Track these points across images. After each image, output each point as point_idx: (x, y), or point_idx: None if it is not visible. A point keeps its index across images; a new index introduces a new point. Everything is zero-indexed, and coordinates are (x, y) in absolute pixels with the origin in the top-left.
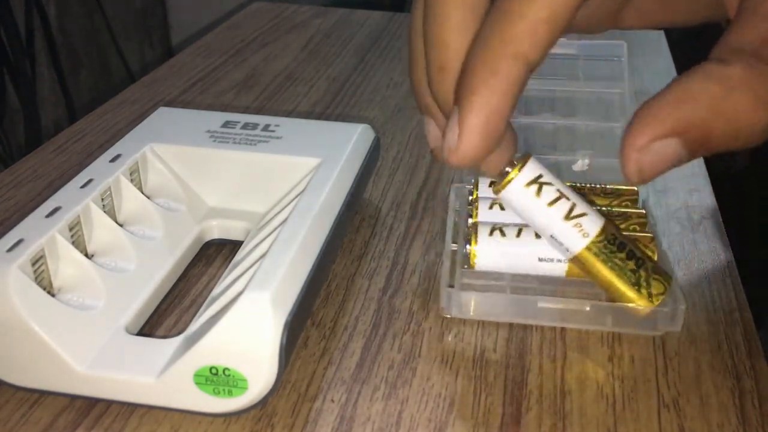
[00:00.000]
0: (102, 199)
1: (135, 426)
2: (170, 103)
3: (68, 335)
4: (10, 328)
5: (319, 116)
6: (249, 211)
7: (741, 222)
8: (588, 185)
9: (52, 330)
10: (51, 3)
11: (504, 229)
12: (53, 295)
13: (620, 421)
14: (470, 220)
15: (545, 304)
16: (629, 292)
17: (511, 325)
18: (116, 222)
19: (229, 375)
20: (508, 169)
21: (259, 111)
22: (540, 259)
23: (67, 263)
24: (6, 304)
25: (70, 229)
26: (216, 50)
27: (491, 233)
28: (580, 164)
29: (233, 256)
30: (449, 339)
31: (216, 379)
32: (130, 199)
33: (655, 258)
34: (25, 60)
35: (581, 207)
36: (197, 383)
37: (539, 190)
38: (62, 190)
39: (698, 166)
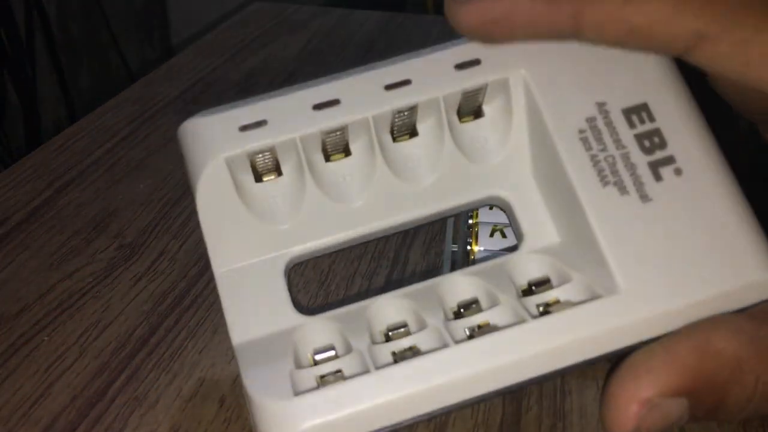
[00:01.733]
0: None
1: (135, 425)
2: (170, 104)
3: None
4: None
5: None
6: None
7: None
8: None
9: None
10: (51, 3)
11: (505, 230)
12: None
13: None
14: (470, 221)
15: None
16: None
17: None
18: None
19: None
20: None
21: None
22: None
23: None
24: None
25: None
26: (216, 50)
27: (492, 234)
28: None
29: None
30: None
31: None
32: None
33: None
34: (25, 59)
35: None
36: None
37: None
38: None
39: None
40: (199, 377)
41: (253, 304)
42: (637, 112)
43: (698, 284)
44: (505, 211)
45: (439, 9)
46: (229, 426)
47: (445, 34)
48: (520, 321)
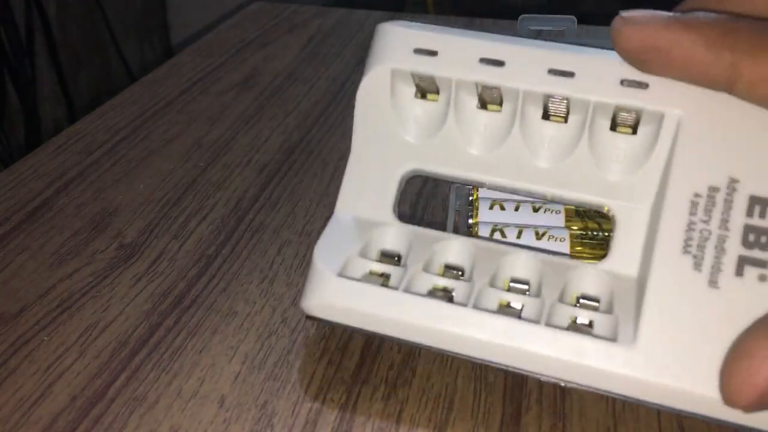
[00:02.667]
0: None
1: (135, 425)
2: (170, 104)
3: None
4: None
5: (319, 116)
6: None
7: None
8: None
9: None
10: (51, 2)
11: (504, 230)
12: None
13: (620, 421)
14: (470, 221)
15: None
16: None
17: None
18: None
19: None
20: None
21: (259, 111)
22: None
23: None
24: None
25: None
26: (216, 50)
27: (491, 234)
28: None
29: None
30: None
31: None
32: None
33: None
34: (25, 60)
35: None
36: None
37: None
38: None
39: None
40: (198, 377)
41: (365, 189)
42: (764, 204)
43: (711, 382)
44: (611, 222)
45: (439, 9)
46: (229, 426)
47: None
48: (535, 320)
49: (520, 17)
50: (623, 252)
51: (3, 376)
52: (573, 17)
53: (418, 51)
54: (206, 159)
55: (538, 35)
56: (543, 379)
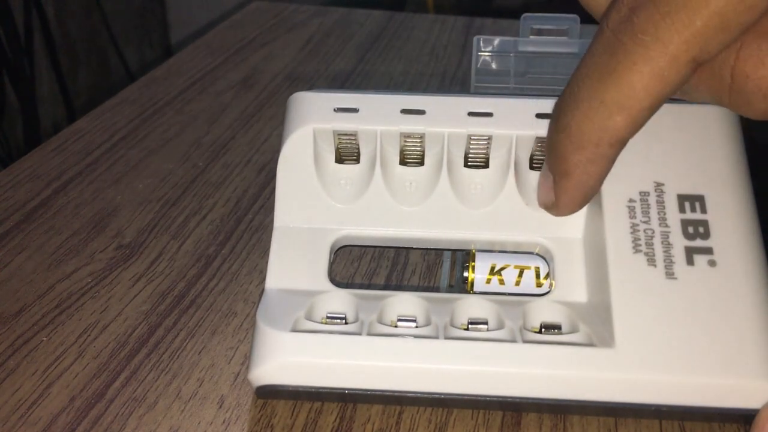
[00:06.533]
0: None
1: (134, 426)
2: (169, 104)
3: None
4: None
5: None
6: None
7: None
8: None
9: None
10: (50, 2)
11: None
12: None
13: (620, 421)
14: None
15: None
16: None
17: None
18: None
19: None
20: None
21: (258, 111)
22: None
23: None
24: None
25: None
26: (215, 50)
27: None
28: None
29: None
30: None
31: None
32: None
33: None
34: (23, 59)
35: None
36: None
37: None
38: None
39: None
40: (198, 378)
41: (295, 261)
42: (692, 200)
43: (691, 366)
44: (546, 259)
45: (439, 8)
46: (229, 427)
47: (446, 33)
48: (510, 340)
49: (522, 16)
50: (566, 282)
51: (2, 377)
52: (576, 16)
53: (339, 110)
54: (205, 159)
55: (540, 34)
56: (533, 409)
